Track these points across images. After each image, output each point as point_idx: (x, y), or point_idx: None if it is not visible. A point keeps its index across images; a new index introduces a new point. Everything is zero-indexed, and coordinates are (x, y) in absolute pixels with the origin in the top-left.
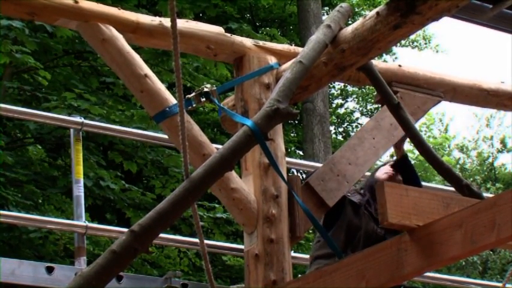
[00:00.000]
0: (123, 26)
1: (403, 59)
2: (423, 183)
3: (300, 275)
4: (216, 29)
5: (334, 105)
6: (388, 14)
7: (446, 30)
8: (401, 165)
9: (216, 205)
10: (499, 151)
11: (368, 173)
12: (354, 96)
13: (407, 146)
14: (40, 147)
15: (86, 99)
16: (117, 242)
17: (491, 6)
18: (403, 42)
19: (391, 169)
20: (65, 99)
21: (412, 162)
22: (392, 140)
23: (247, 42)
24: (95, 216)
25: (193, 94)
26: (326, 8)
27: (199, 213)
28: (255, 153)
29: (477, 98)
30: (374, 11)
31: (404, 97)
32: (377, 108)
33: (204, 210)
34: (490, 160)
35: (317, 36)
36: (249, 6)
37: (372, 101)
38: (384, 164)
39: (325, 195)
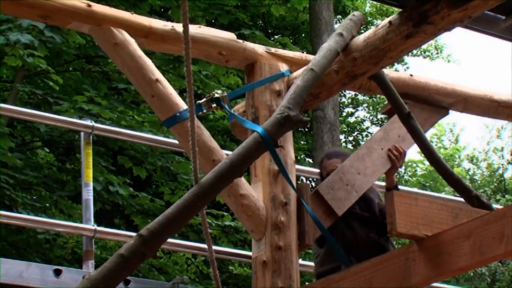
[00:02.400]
0: (135, 30)
1: (415, 68)
2: (432, 193)
3: (307, 283)
4: (228, 35)
5: (344, 114)
6: (400, 24)
7: (459, 40)
8: None
9: (225, 213)
10: (509, 162)
11: (377, 183)
12: (365, 105)
13: (418, 156)
14: (48, 150)
15: (97, 103)
16: (125, 246)
17: (504, 17)
18: (414, 51)
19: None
20: (75, 103)
21: (422, 172)
22: None
23: (259, 49)
24: (102, 221)
25: (204, 100)
26: (338, 16)
27: (208, 221)
28: (264, 160)
29: (488, 109)
30: (386, 20)
31: (411, 109)
32: (387, 118)
33: (212, 218)
34: (500, 171)
35: (329, 44)
36: (261, 13)
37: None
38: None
39: (334, 204)
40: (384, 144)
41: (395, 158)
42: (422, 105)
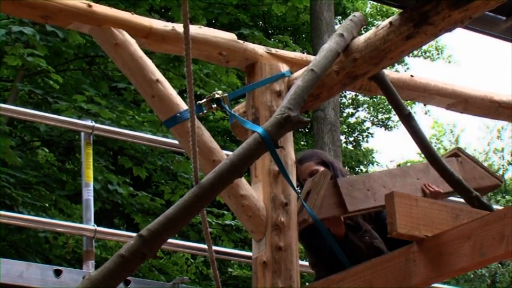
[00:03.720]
0: (136, 30)
1: (415, 69)
2: None
3: (307, 283)
4: (229, 36)
5: (345, 114)
6: (400, 24)
7: (459, 41)
8: None
9: (225, 212)
10: (509, 163)
11: None
12: (365, 105)
13: (418, 157)
14: (47, 150)
15: (97, 103)
16: (125, 246)
17: (504, 18)
18: (415, 52)
19: None
20: (75, 102)
21: None
22: None
23: (260, 49)
24: (102, 221)
25: (204, 100)
26: (339, 17)
27: (208, 220)
28: (265, 161)
29: (488, 110)
30: (387, 20)
31: (464, 163)
32: (388, 118)
33: (213, 217)
34: (501, 172)
35: (329, 45)
36: (262, 13)
37: (383, 110)
38: None
39: (348, 200)
40: (421, 175)
41: (430, 193)
42: (475, 165)
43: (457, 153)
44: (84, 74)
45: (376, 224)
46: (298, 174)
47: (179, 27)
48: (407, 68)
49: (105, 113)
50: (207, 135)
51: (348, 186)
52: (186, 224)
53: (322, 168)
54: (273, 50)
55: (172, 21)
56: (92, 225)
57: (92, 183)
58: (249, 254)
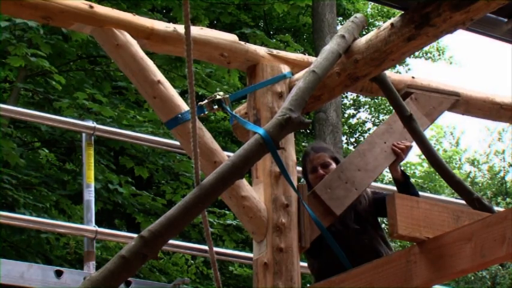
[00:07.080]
0: (137, 31)
1: (417, 70)
2: (431, 195)
3: (308, 285)
4: (230, 37)
5: (346, 115)
6: (402, 26)
7: (461, 42)
8: (403, 187)
9: (227, 211)
10: (510, 165)
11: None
12: (367, 106)
13: (417, 158)
14: (47, 151)
15: (98, 101)
16: (126, 247)
17: (506, 20)
18: (416, 53)
19: None
20: (76, 99)
21: (421, 174)
22: None
23: (261, 50)
24: (103, 221)
25: (205, 101)
26: (340, 18)
27: (210, 220)
28: (266, 162)
29: (490, 112)
30: (388, 22)
31: (419, 98)
32: None
33: (215, 216)
34: (501, 174)
35: (331, 46)
36: (263, 15)
37: (384, 111)
38: None
39: (332, 204)
40: (387, 137)
41: (401, 150)
42: (430, 93)
43: (408, 91)
44: (86, 74)
45: (376, 209)
46: (309, 161)
47: (181, 29)
48: (409, 69)
49: (106, 111)
50: (208, 136)
51: (327, 189)
52: (187, 225)
53: (333, 163)
54: (275, 52)
55: (175, 21)
56: (93, 226)
57: (93, 184)
58: (250, 255)
